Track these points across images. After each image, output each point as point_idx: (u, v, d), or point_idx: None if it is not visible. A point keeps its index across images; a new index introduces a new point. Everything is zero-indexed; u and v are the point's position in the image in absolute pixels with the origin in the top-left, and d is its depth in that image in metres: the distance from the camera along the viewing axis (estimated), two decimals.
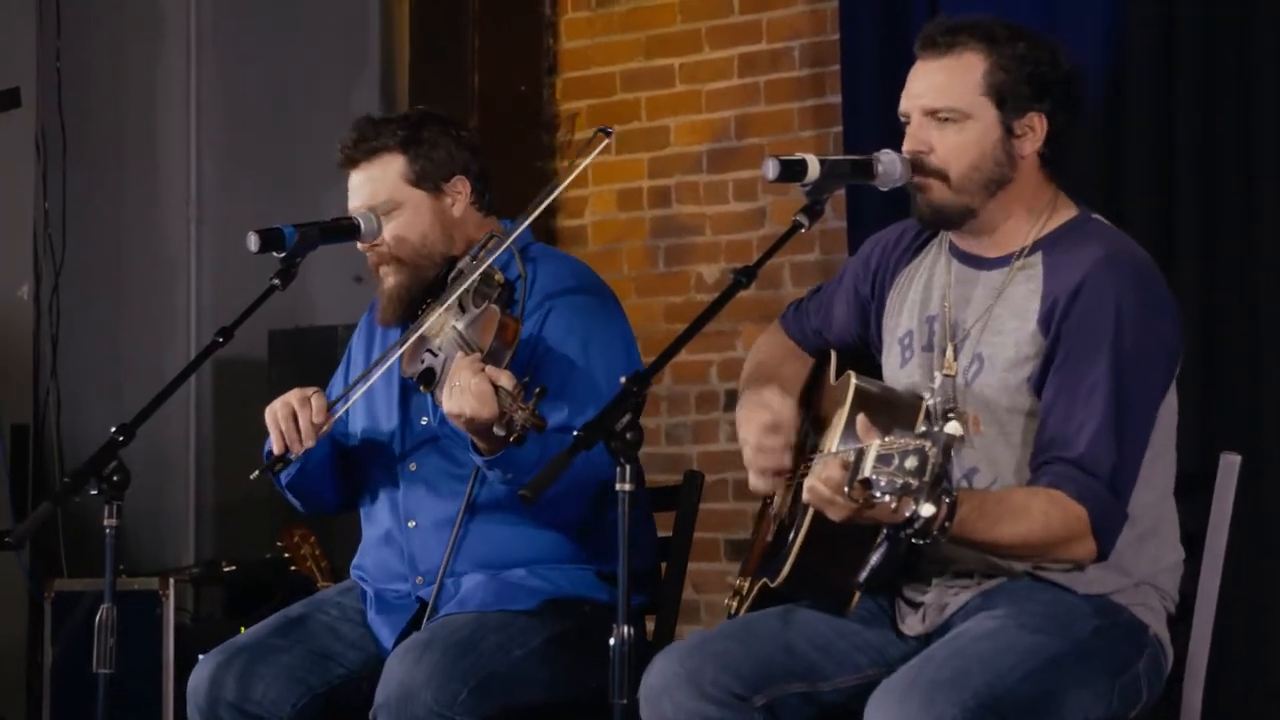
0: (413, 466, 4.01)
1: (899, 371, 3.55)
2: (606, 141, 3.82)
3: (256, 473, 3.92)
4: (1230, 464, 3.55)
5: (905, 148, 3.48)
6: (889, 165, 3.47)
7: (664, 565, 4.03)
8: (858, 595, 3.43)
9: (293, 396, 3.89)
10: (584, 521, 3.85)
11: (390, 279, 4.02)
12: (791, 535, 3.39)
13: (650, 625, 3.95)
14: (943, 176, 3.44)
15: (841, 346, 3.70)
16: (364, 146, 4.03)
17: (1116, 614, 3.39)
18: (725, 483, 6.05)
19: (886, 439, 2.96)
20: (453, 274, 3.98)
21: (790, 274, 6.05)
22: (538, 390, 3.59)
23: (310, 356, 6.15)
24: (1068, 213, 3.50)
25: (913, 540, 3.04)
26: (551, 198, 3.95)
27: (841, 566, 3.27)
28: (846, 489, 3.01)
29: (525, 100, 6.52)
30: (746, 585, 3.59)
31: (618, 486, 3.26)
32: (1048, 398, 3.36)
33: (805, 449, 3.59)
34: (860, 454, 2.98)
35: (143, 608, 5.76)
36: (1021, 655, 3.26)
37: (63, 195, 7.02)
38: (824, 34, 6.00)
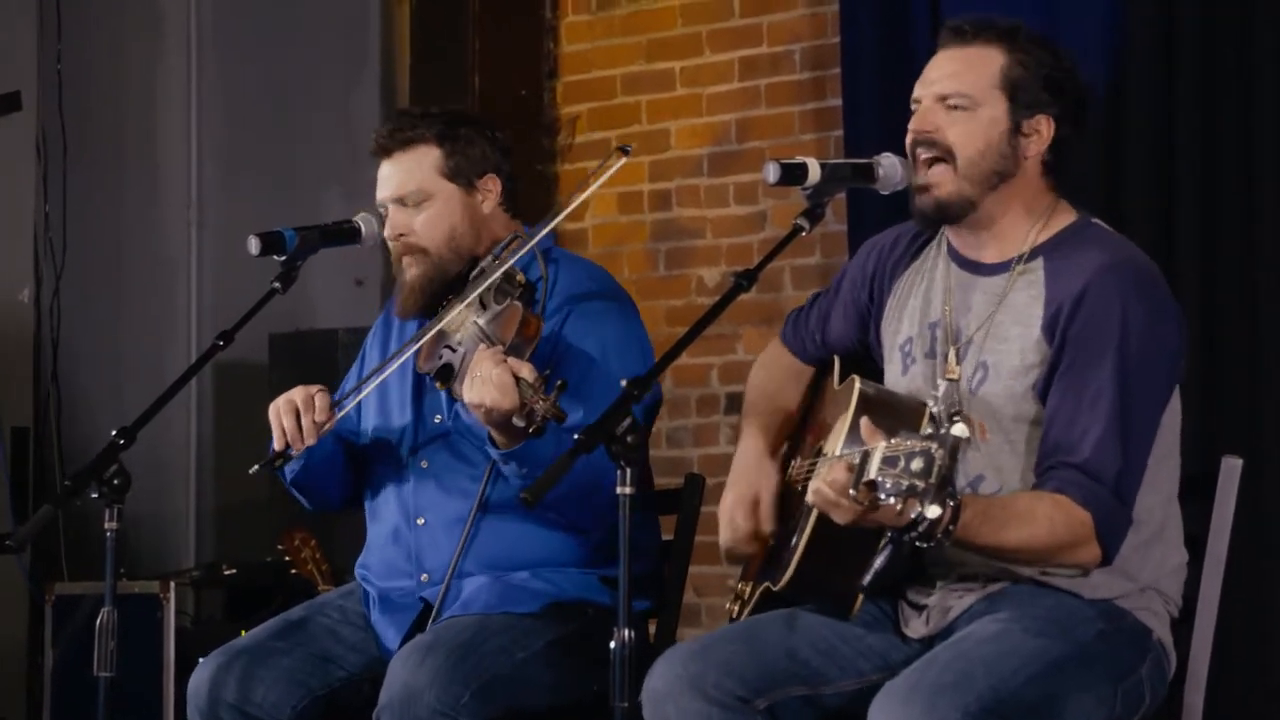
0: (424, 463, 4.01)
1: (901, 378, 3.55)
2: (624, 160, 3.82)
3: (256, 467, 3.92)
4: (1232, 468, 3.55)
5: (911, 127, 3.48)
6: (890, 169, 3.47)
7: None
8: (861, 599, 3.42)
9: (296, 394, 3.89)
10: (594, 524, 3.85)
11: (414, 269, 4.03)
12: (795, 539, 3.39)
13: (652, 629, 3.95)
14: (949, 157, 3.44)
15: (842, 354, 3.70)
16: (400, 136, 4.04)
17: (1120, 618, 3.38)
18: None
19: (892, 441, 2.96)
20: (474, 273, 3.99)
21: (791, 277, 6.05)
22: (559, 383, 3.61)
23: (311, 360, 6.15)
24: (1067, 217, 3.50)
25: (917, 543, 3.03)
26: (573, 206, 3.97)
27: (845, 570, 3.26)
28: (852, 491, 3.01)
29: (525, 103, 6.52)
30: (748, 589, 3.59)
31: (618, 490, 3.26)
32: (1052, 403, 3.36)
33: (809, 452, 3.59)
34: (866, 456, 2.98)
35: (143, 611, 5.76)
36: (1024, 659, 3.26)
37: (63, 197, 7.02)
38: (824, 37, 6.01)
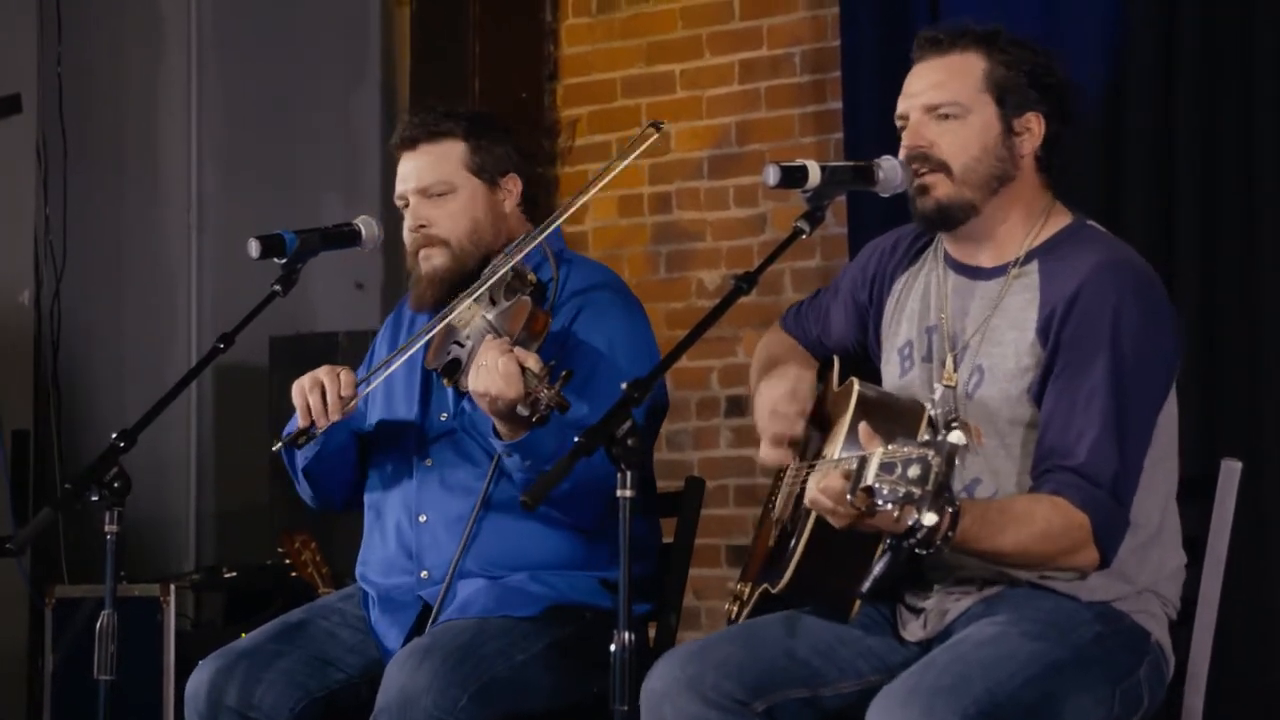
0: (428, 461, 4.02)
1: (898, 381, 3.55)
2: (656, 136, 3.83)
3: (278, 445, 3.94)
4: (1231, 470, 3.54)
5: (905, 143, 3.48)
6: (890, 171, 3.47)
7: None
8: (859, 602, 3.42)
9: (321, 371, 3.91)
10: (595, 525, 3.84)
11: (433, 260, 4.04)
12: (793, 541, 3.38)
13: (652, 631, 3.95)
14: (945, 169, 3.44)
15: (840, 353, 3.70)
16: (428, 128, 4.07)
17: (1118, 621, 3.38)
18: (726, 488, 6.06)
19: (890, 447, 2.95)
20: (487, 270, 3.99)
21: (791, 280, 6.05)
22: (564, 373, 3.61)
23: (311, 362, 6.06)
24: (1063, 219, 3.50)
25: (915, 549, 3.03)
26: (596, 189, 3.98)
27: (843, 573, 3.26)
28: (849, 497, 3.01)
29: (526, 106, 6.52)
30: (747, 591, 3.58)
31: (618, 493, 3.26)
32: (1047, 406, 3.36)
33: (808, 454, 3.59)
34: (863, 462, 2.97)
35: (143, 614, 5.76)
36: (1022, 662, 3.25)
37: (64, 200, 7.02)
38: (824, 40, 6.01)
